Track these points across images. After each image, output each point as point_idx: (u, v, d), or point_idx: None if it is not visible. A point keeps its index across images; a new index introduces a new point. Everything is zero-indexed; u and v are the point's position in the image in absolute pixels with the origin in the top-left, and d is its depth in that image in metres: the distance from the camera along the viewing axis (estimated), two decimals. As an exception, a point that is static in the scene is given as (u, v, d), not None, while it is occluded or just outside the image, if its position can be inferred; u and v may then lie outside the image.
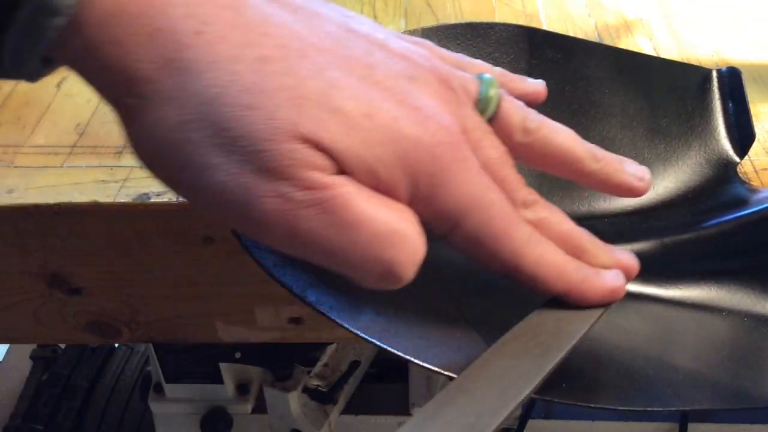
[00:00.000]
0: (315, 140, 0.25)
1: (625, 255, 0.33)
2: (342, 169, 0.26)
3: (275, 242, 0.27)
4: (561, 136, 0.32)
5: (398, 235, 0.26)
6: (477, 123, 0.29)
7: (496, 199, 0.28)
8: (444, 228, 0.29)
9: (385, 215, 0.26)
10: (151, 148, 0.25)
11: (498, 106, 0.31)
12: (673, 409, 0.29)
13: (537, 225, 0.30)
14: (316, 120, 0.25)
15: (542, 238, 0.30)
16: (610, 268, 0.32)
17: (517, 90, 0.34)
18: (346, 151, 0.25)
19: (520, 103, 0.32)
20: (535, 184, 0.41)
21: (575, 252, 0.31)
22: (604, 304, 0.31)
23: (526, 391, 0.26)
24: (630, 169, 0.33)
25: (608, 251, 0.32)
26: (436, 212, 0.28)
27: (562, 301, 0.31)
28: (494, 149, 0.29)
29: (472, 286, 0.34)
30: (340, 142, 0.25)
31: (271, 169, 0.25)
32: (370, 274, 0.27)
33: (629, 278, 0.32)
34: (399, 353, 0.27)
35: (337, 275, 0.31)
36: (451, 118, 0.28)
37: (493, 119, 0.31)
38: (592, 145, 0.33)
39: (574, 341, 0.29)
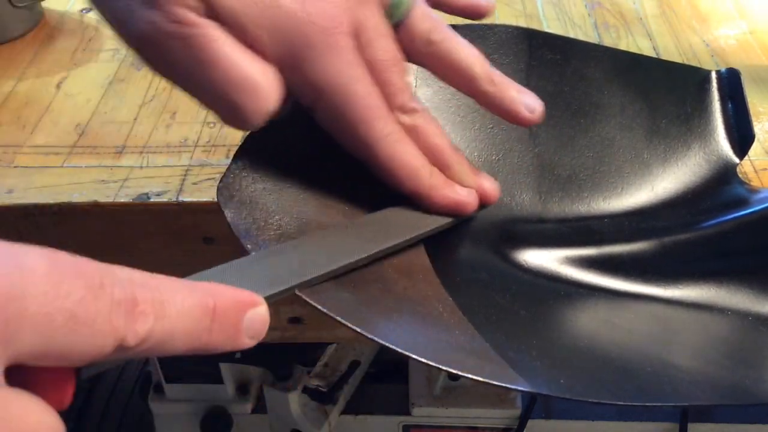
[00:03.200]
0: None
1: (488, 183, 0.35)
2: (215, 16, 0.29)
3: (151, 64, 0.31)
4: (463, 52, 0.35)
5: (250, 82, 0.30)
6: (375, 23, 0.32)
7: (362, 90, 0.31)
8: (307, 100, 0.32)
9: (243, 63, 0.30)
10: None
11: (407, 13, 0.34)
12: (671, 404, 0.29)
13: (410, 130, 0.33)
14: None
15: (406, 140, 0.33)
16: (467, 188, 0.34)
17: (452, 3, 0.38)
18: (219, 1, 0.29)
19: (433, 15, 0.35)
20: (534, 183, 0.41)
21: (439, 165, 0.34)
22: (451, 213, 0.34)
23: (349, 259, 0.30)
24: (523, 99, 0.35)
25: (472, 174, 0.35)
26: (300, 82, 0.31)
27: (415, 203, 0.34)
28: (384, 51, 0.32)
29: (471, 282, 0.34)
30: None
31: (150, 1, 0.29)
32: (221, 112, 0.31)
33: (485, 202, 0.35)
34: (399, 350, 0.27)
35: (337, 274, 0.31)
36: (339, 10, 0.31)
37: (401, 25, 0.34)
38: (494, 69, 0.35)
39: (407, 237, 0.33)
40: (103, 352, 0.20)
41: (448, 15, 0.40)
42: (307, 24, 0.30)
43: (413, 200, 0.34)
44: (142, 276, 0.22)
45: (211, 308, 0.23)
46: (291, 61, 0.31)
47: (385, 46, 0.32)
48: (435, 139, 0.34)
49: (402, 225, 0.33)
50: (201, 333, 0.23)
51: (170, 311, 0.22)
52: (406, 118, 0.33)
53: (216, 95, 0.30)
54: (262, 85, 0.30)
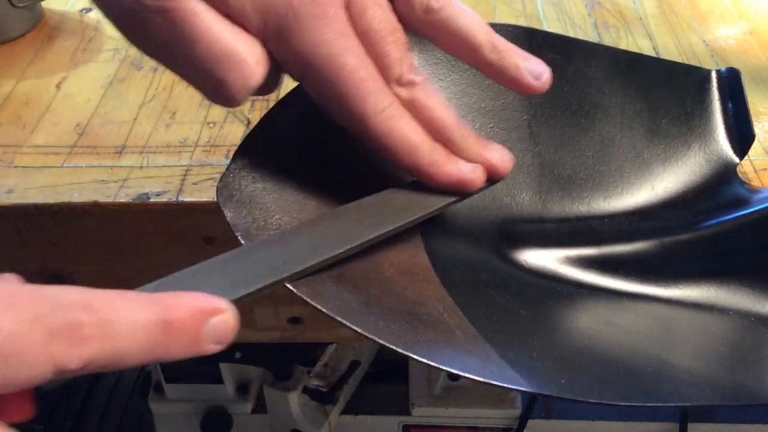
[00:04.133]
0: None
1: (497, 155, 0.34)
2: None
3: (134, 42, 0.30)
4: (464, 20, 0.33)
5: (234, 57, 0.29)
6: None
7: (353, 62, 0.30)
8: (295, 73, 0.31)
9: (227, 37, 0.29)
10: None
11: None
12: (672, 405, 0.29)
13: (409, 104, 0.32)
14: None
15: (402, 114, 0.32)
16: (473, 163, 0.33)
17: None
18: None
19: None
20: (534, 183, 0.41)
21: (442, 139, 0.33)
22: (455, 191, 0.33)
23: (337, 250, 0.29)
24: (528, 66, 0.34)
25: (479, 148, 0.33)
26: (287, 55, 0.30)
27: (418, 182, 0.33)
28: (378, 21, 0.31)
29: (471, 282, 0.34)
30: None
31: None
32: (205, 88, 0.31)
33: (495, 176, 0.34)
34: (399, 350, 0.27)
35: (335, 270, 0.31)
36: None
37: None
38: (497, 36, 0.34)
39: (409, 219, 0.31)
40: (43, 378, 0.21)
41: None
42: None
43: (415, 178, 0.33)
44: (90, 296, 0.22)
45: (167, 322, 0.23)
46: (277, 33, 0.30)
47: (380, 16, 0.31)
48: (436, 112, 0.32)
49: (401, 206, 0.32)
50: (156, 347, 0.22)
51: (119, 330, 0.22)
52: (403, 92, 0.32)
53: (199, 71, 0.29)
54: (247, 59, 0.29)
